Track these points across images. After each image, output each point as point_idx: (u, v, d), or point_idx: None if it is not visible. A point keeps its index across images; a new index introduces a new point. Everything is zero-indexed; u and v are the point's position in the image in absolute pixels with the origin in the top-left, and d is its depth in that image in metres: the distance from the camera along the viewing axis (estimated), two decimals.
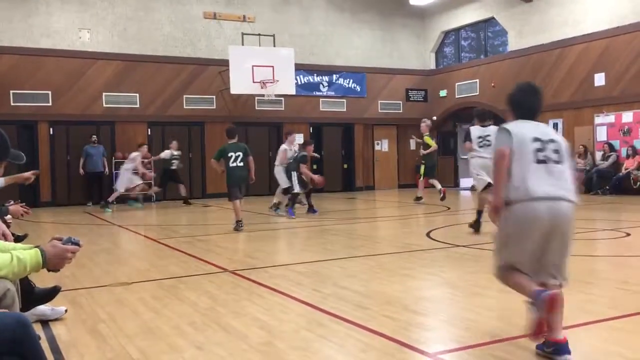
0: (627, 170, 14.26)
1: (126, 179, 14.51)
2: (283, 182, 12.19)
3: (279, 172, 12.27)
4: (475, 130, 8.47)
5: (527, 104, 3.47)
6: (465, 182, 19.18)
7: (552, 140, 3.30)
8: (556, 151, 3.27)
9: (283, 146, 12.36)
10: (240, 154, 9.35)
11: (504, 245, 3.32)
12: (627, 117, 14.62)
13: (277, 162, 12.44)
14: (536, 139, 3.26)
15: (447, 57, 20.62)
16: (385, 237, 8.91)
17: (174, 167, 15.24)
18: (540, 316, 3.02)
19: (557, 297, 3.03)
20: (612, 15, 14.82)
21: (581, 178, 14.57)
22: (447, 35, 20.31)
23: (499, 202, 3.25)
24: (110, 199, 14.14)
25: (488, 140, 8.17)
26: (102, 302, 4.69)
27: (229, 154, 9.34)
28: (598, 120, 15.26)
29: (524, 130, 3.31)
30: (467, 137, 8.61)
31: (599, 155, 15.15)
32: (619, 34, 14.61)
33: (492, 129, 8.18)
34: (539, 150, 3.23)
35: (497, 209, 3.28)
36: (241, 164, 9.33)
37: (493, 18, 18.31)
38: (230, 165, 9.34)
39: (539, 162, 3.21)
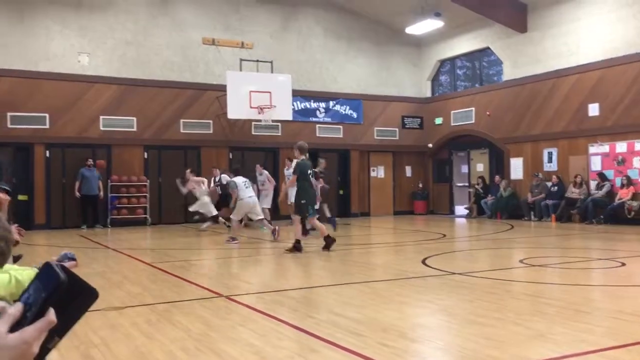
0: (621, 200, 14.32)
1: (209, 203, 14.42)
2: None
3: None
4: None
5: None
6: (460, 210, 19.22)
7: None
8: None
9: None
10: (312, 172, 9.73)
11: None
12: (622, 147, 14.73)
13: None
14: None
15: (443, 85, 20.83)
16: (381, 263, 8.88)
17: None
18: None
19: None
20: (605, 47, 15.05)
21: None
22: (443, 63, 20.55)
23: None
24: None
25: None
26: (95, 326, 4.64)
27: (308, 172, 9.51)
28: (592, 149, 15.37)
29: None
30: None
31: (593, 184, 15.22)
32: (613, 65, 14.81)
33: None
34: None
35: None
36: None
37: (488, 48, 18.55)
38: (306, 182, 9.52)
39: None
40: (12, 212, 12.77)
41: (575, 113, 15.79)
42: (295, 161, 10.10)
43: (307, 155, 9.79)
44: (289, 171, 14.12)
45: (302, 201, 9.50)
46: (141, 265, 8.67)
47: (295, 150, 9.88)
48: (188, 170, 14.77)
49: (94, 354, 3.88)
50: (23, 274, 2.50)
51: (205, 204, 14.28)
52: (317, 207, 10.74)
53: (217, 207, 14.46)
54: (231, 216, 11.81)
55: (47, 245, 11.66)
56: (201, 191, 14.35)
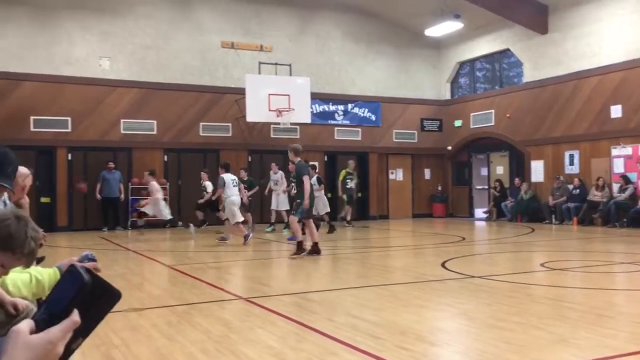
0: None
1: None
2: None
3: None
4: None
5: None
6: (479, 213, 19.07)
7: None
8: None
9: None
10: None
11: None
12: None
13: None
14: None
15: (462, 88, 20.70)
16: (400, 266, 8.84)
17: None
18: None
19: None
20: (628, 47, 14.83)
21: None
22: (463, 65, 20.43)
23: None
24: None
25: None
26: (116, 327, 4.69)
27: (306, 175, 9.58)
28: (615, 152, 15.16)
29: None
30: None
31: (616, 187, 15.00)
32: (636, 66, 14.59)
33: None
34: None
35: None
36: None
37: (508, 50, 18.40)
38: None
39: None
40: (35, 215, 12.97)
41: (597, 115, 15.58)
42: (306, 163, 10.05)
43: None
44: (276, 176, 14.51)
45: (298, 200, 9.55)
46: (161, 267, 8.74)
47: (290, 153, 9.73)
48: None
49: (115, 355, 3.92)
50: (43, 273, 2.54)
51: (156, 207, 13.91)
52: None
53: (206, 210, 14.54)
54: (226, 220, 11.71)
55: (69, 247, 11.81)
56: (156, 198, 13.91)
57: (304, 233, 10.29)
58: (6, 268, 1.99)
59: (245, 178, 14.23)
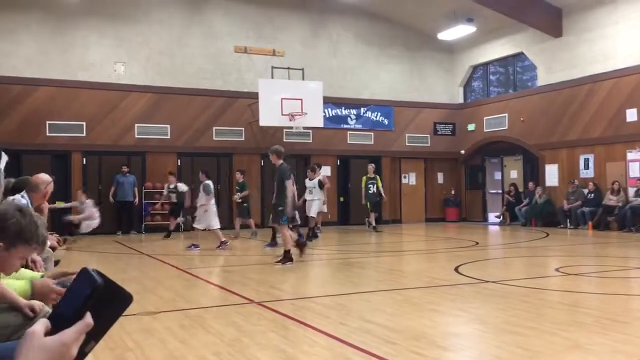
0: None
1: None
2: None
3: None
4: None
5: None
6: (493, 217, 18.95)
7: None
8: None
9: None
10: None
11: None
12: None
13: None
14: None
15: (475, 91, 20.62)
16: (412, 271, 8.81)
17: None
18: None
19: None
20: None
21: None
22: (476, 69, 20.35)
23: None
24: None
25: None
26: (130, 330, 4.71)
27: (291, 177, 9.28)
28: (630, 156, 15.00)
29: None
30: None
31: (631, 191, 14.84)
32: None
33: None
34: None
35: None
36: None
37: (522, 53, 18.30)
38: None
39: None
40: (50, 220, 13.05)
41: (612, 118, 15.44)
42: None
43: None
44: (312, 182, 14.12)
45: (280, 208, 9.02)
46: (174, 271, 8.78)
47: (272, 155, 9.28)
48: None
49: (128, 357, 3.94)
50: (12, 285, 2.61)
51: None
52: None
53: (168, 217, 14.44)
54: (198, 227, 11.67)
55: (84, 251, 11.90)
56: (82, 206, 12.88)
57: (274, 239, 10.03)
58: (24, 259, 2.13)
59: (240, 180, 14.10)
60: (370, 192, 15.92)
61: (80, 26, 16.01)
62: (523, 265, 9.36)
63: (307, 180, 14.33)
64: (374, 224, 15.96)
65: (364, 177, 16.20)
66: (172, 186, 14.68)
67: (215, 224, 11.69)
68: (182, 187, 14.54)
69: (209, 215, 11.66)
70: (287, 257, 8.86)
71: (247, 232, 14.02)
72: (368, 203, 15.95)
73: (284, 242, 9.20)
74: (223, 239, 11.46)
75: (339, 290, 6.69)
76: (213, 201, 11.82)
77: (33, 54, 15.50)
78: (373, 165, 16.72)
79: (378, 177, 16.43)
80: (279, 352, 4.04)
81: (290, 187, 9.14)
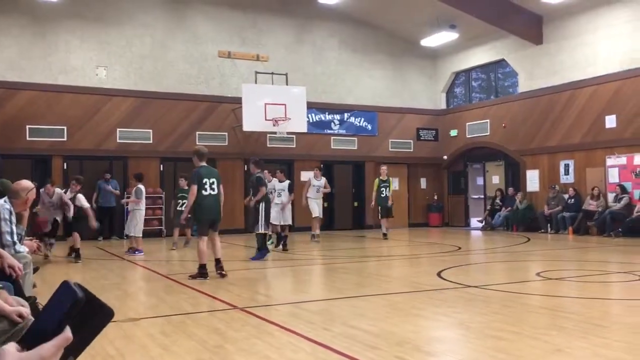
0: (639, 213, 14.13)
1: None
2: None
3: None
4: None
5: None
6: (475, 222, 19.09)
7: None
8: None
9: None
10: (215, 180, 8.02)
11: None
12: (639, 159, 14.57)
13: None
14: None
15: (458, 97, 20.79)
16: (396, 276, 8.84)
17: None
18: None
19: None
20: (623, 58, 14.94)
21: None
22: (458, 75, 20.53)
23: None
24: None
25: None
26: (111, 337, 4.66)
27: (203, 180, 7.97)
28: (610, 161, 15.22)
29: None
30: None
31: (611, 196, 15.05)
32: (630, 76, 14.69)
33: None
34: None
35: None
36: (214, 192, 8.04)
37: (503, 60, 18.50)
38: (203, 193, 7.89)
39: None
40: (30, 225, 12.86)
41: (592, 125, 15.66)
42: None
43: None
44: (320, 182, 14.07)
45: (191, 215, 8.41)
46: (156, 276, 8.71)
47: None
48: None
49: None
50: None
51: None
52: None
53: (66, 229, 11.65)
54: (135, 232, 11.64)
55: (63, 256, 11.75)
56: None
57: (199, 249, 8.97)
58: None
59: (186, 187, 13.30)
60: (382, 195, 14.64)
61: (62, 30, 15.87)
62: (505, 270, 9.43)
63: (314, 180, 14.05)
64: (384, 230, 14.75)
65: (376, 180, 14.97)
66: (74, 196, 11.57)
67: (139, 231, 11.68)
68: (81, 199, 11.41)
69: (137, 220, 11.63)
70: (201, 274, 7.96)
71: (182, 240, 13.31)
72: (379, 207, 14.77)
73: (198, 256, 8.10)
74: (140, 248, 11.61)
75: (323, 295, 6.68)
76: (142, 205, 11.73)
77: (14, 58, 15.33)
78: (386, 166, 15.33)
79: (390, 179, 15.12)
80: (263, 358, 4.02)
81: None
